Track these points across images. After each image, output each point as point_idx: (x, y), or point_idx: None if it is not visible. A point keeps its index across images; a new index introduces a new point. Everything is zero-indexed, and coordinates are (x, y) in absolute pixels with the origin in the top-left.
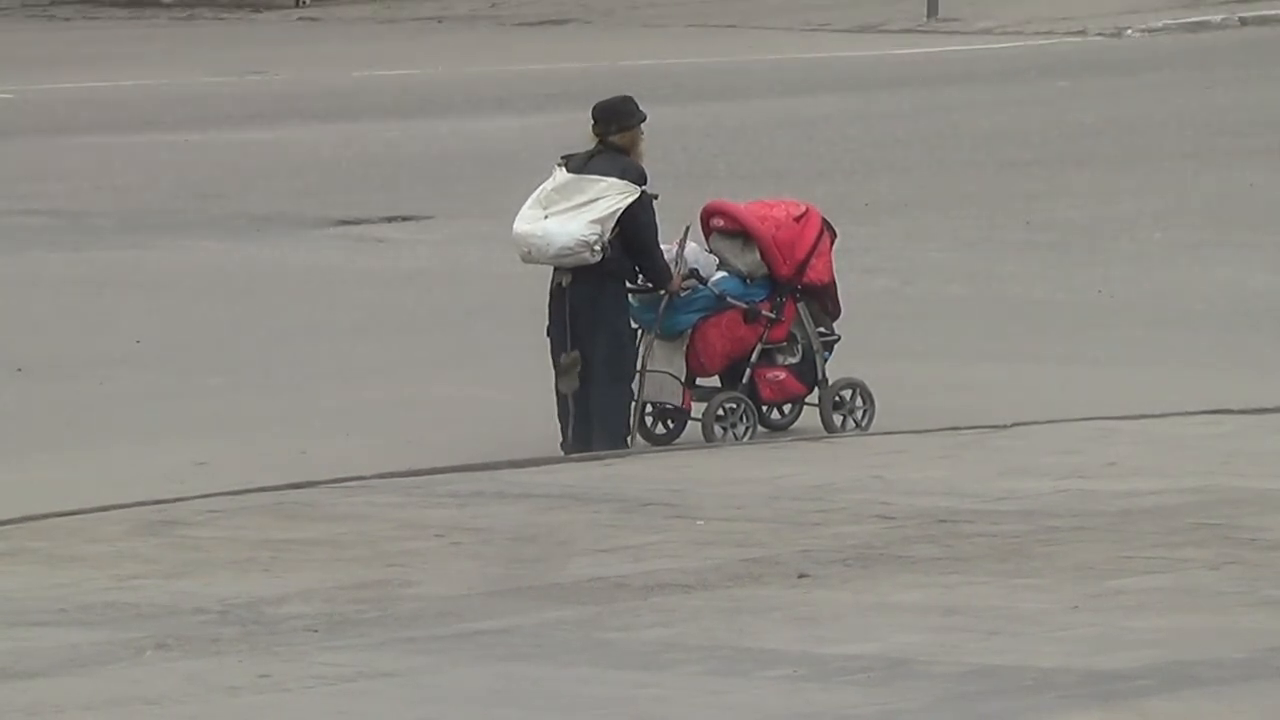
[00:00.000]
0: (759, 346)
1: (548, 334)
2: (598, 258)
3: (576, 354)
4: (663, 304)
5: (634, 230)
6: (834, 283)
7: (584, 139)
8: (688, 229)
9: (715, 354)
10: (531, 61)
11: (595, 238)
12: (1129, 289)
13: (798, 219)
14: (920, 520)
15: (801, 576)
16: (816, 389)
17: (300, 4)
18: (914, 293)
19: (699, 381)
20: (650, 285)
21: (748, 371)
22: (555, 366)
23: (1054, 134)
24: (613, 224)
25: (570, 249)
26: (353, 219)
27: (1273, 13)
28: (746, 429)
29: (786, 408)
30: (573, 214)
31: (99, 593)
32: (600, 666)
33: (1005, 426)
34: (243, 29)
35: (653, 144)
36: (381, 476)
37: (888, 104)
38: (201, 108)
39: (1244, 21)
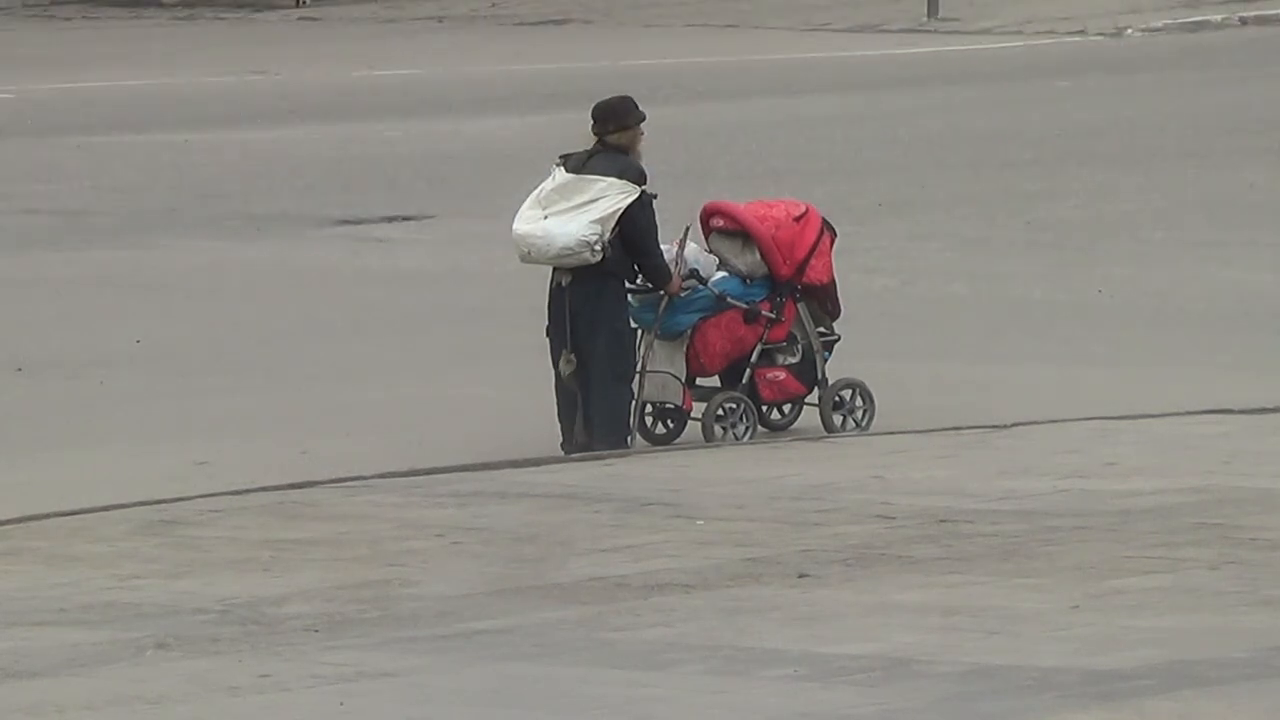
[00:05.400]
0: (759, 346)
1: (547, 334)
2: (598, 257)
3: (572, 356)
4: (662, 304)
5: (633, 230)
6: (834, 283)
7: (584, 139)
8: (687, 229)
9: (715, 354)
10: (531, 61)
11: (596, 238)
12: (1129, 289)
13: (797, 219)
14: (921, 520)
15: (801, 576)
16: (816, 389)
17: (300, 4)
18: (914, 293)
19: (699, 381)
20: (650, 285)
21: (748, 371)
22: (555, 367)
23: (1054, 134)
24: (613, 224)
25: (571, 249)
26: (353, 219)
27: (1273, 13)
28: (746, 429)
29: (786, 408)
30: (573, 214)
31: (99, 593)
32: (600, 666)
33: (1005, 426)
34: (243, 29)
35: (653, 144)
36: (382, 476)
37: (888, 104)
38: (201, 108)
39: (1244, 21)
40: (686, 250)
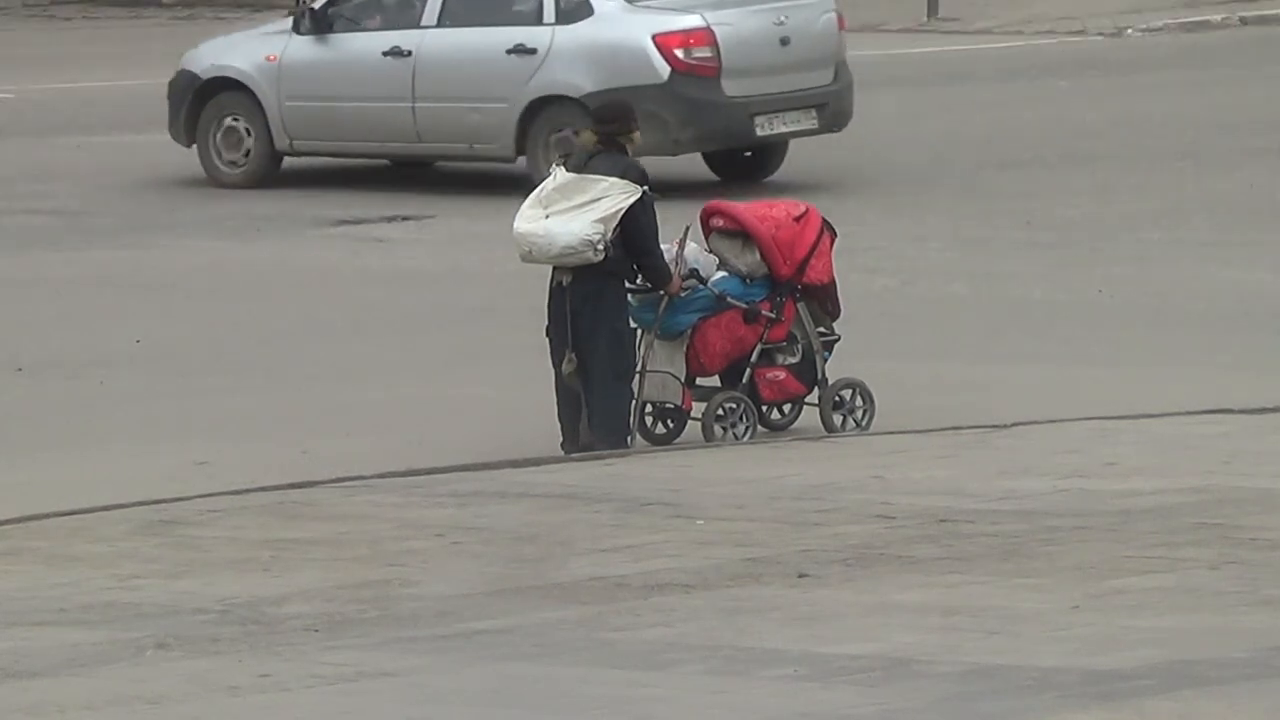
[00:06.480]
0: (759, 346)
1: (547, 334)
2: (600, 257)
3: (573, 355)
4: (662, 304)
5: (634, 231)
6: (834, 283)
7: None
8: (687, 229)
9: (715, 354)
10: None
11: (599, 237)
12: (1129, 289)
13: (798, 219)
14: (920, 520)
15: (801, 576)
16: (816, 389)
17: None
18: (914, 293)
19: (699, 381)
20: (650, 285)
21: (748, 371)
22: (555, 367)
23: (1054, 134)
24: (615, 224)
25: (574, 248)
26: (353, 219)
27: (1273, 13)
28: (746, 429)
29: (786, 408)
30: (575, 213)
31: (99, 593)
32: (600, 666)
33: (1005, 426)
34: (243, 29)
35: None
36: (382, 476)
37: (888, 104)
38: None
39: (1244, 21)
40: (687, 250)
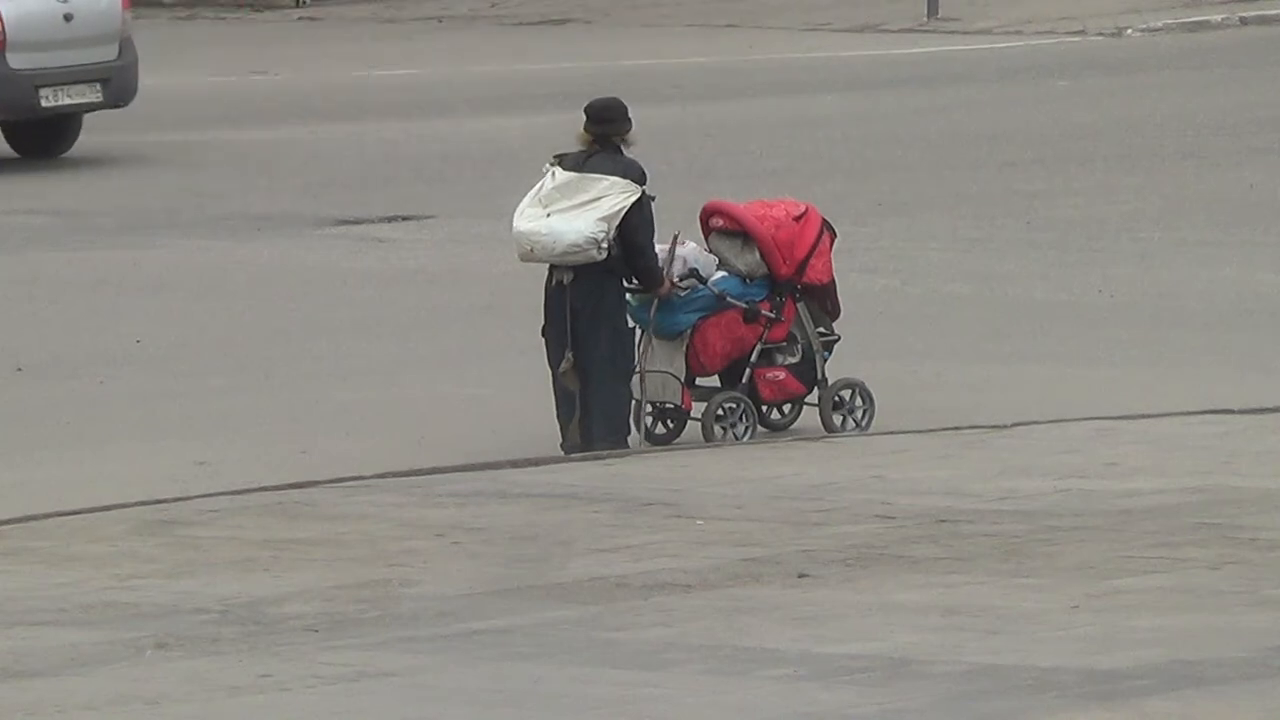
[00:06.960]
0: (759, 346)
1: (543, 334)
2: (604, 255)
3: (570, 355)
4: (653, 305)
5: (629, 230)
6: (834, 283)
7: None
8: (675, 236)
9: (715, 354)
10: (531, 61)
11: (604, 235)
12: (1129, 289)
13: (797, 219)
14: (921, 520)
15: (801, 576)
16: (816, 389)
17: (300, 4)
18: (914, 293)
19: (699, 381)
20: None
21: (747, 371)
22: (552, 367)
23: (1054, 134)
24: (617, 222)
25: (579, 245)
26: (353, 219)
27: (1273, 13)
28: (746, 429)
29: (786, 408)
30: (577, 212)
31: (99, 593)
32: (600, 666)
33: (1006, 426)
34: (243, 29)
35: (652, 144)
36: (381, 476)
37: (888, 104)
38: (202, 108)
39: (1244, 21)
40: (687, 250)
